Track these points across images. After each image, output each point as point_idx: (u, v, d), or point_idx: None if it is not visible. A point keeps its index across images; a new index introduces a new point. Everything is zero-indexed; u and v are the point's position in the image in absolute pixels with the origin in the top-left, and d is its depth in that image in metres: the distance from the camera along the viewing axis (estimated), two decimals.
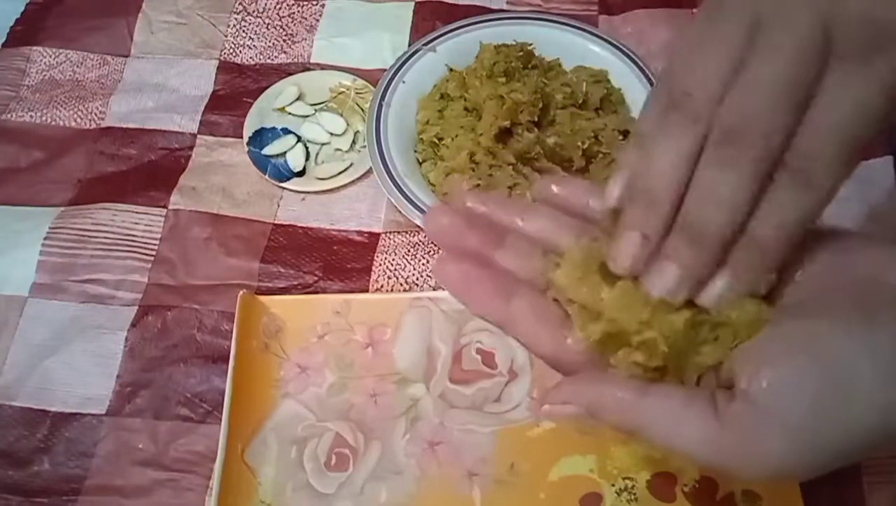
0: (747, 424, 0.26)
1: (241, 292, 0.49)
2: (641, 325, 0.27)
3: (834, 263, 0.28)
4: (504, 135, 0.52)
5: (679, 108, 0.27)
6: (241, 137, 0.58)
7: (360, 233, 0.54)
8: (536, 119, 0.53)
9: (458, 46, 0.58)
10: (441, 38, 0.59)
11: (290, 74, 0.61)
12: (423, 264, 0.53)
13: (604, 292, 0.28)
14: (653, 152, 0.28)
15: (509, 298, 0.30)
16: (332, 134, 0.58)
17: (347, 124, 0.58)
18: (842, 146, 0.26)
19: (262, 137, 0.58)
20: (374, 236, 0.54)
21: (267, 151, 0.57)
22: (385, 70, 0.58)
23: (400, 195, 0.52)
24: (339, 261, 0.53)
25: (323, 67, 0.62)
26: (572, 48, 0.58)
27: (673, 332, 0.27)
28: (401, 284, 0.52)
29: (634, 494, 0.44)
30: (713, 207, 0.27)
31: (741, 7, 0.27)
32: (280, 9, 0.65)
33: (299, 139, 0.58)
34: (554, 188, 0.33)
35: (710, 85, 0.27)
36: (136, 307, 0.51)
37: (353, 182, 0.56)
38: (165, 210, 0.55)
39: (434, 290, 0.51)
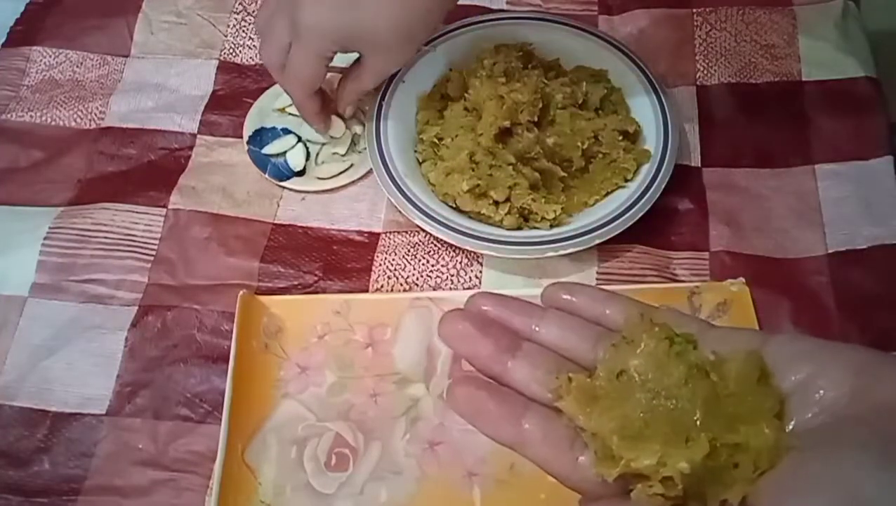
0: None
1: (241, 292, 0.49)
2: (658, 464, 0.27)
3: (853, 385, 0.28)
4: (504, 135, 0.52)
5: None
6: (241, 137, 0.58)
7: (360, 233, 0.54)
8: (536, 119, 0.53)
9: (458, 46, 0.58)
10: (441, 38, 0.59)
11: None
12: (423, 264, 0.53)
13: (612, 428, 0.28)
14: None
15: (519, 420, 0.30)
16: (331, 135, 0.58)
17: (347, 125, 0.58)
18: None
19: (261, 136, 0.58)
20: (374, 236, 0.54)
21: (267, 150, 0.57)
22: None
23: (400, 195, 0.52)
24: (339, 261, 0.53)
25: None
26: (572, 48, 0.58)
27: (692, 467, 0.27)
28: (401, 284, 0.52)
29: None
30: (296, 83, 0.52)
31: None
32: None
33: (300, 139, 0.58)
34: (564, 296, 0.33)
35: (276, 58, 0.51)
36: (136, 307, 0.51)
37: (353, 182, 0.56)
38: (165, 210, 0.55)
39: (434, 290, 0.51)
